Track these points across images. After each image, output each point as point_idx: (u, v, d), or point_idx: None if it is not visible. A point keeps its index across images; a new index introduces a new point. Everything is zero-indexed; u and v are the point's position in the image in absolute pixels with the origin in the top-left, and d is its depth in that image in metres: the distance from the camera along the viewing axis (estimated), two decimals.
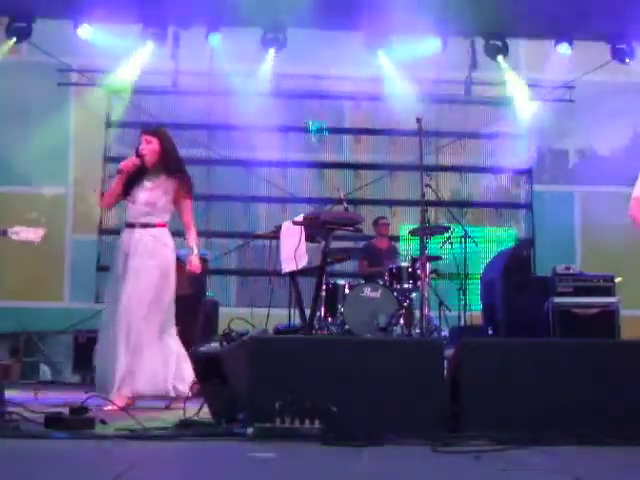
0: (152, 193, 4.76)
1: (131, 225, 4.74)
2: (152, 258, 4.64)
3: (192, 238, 4.85)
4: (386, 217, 8.40)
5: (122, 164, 4.85)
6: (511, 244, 9.37)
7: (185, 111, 9.50)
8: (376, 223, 8.10)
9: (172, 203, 4.82)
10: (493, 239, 9.55)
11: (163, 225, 4.76)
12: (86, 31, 8.82)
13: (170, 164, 4.81)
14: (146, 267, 4.60)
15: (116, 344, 4.44)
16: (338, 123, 9.77)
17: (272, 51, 9.03)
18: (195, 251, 4.83)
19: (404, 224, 9.20)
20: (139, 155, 4.81)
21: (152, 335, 4.53)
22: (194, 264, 4.82)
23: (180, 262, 6.70)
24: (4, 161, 9.19)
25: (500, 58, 9.20)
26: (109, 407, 4.07)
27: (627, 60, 9.06)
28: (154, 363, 4.49)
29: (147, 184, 4.79)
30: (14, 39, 8.83)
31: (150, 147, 4.82)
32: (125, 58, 9.07)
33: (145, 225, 4.71)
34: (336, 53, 9.08)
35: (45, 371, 8.06)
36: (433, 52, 9.10)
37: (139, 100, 9.52)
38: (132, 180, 4.81)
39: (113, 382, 4.37)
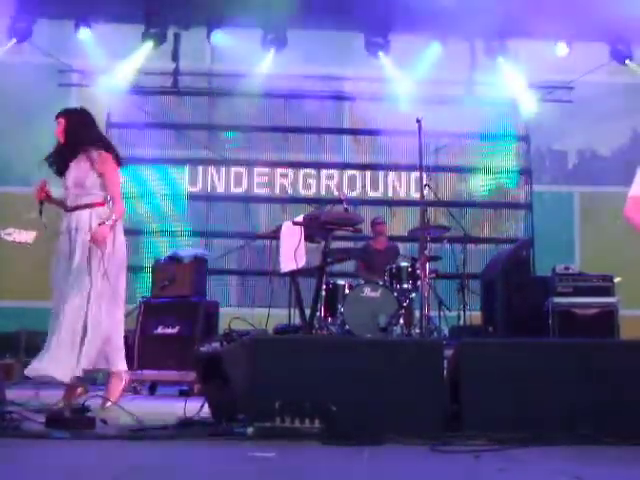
0: (75, 173, 4.66)
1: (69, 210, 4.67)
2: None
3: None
4: (382, 217, 8.38)
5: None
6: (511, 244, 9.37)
7: (185, 111, 9.50)
8: (372, 224, 8.10)
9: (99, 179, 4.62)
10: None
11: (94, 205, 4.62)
12: (87, 32, 8.83)
13: (75, 140, 4.67)
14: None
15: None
16: (338, 123, 9.78)
17: (273, 51, 9.04)
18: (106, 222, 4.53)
19: (404, 224, 9.20)
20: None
21: None
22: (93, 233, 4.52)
23: (180, 262, 6.72)
24: (4, 161, 9.20)
25: (500, 59, 9.20)
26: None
27: (620, 62, 9.07)
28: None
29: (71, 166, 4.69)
30: (15, 40, 8.84)
31: (59, 129, 4.72)
32: (125, 59, 9.08)
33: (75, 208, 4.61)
34: (336, 53, 9.09)
35: None
36: (433, 52, 9.11)
37: (139, 100, 9.52)
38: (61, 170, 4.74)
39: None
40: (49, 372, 4.26)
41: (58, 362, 4.24)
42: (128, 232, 9.63)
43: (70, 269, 4.51)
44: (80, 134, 4.69)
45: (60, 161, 4.76)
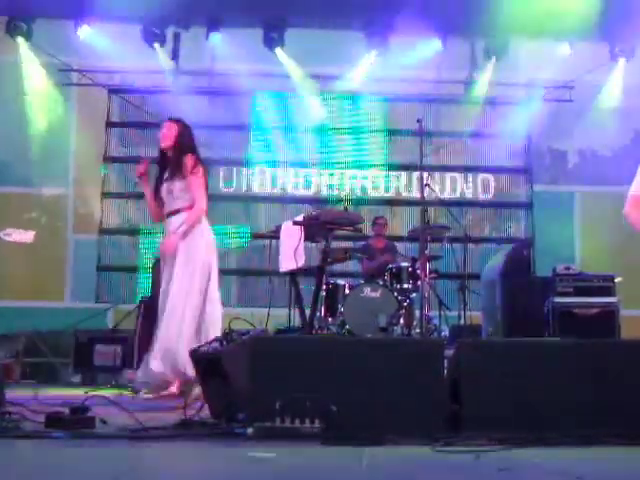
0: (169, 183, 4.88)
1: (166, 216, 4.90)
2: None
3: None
4: (384, 217, 8.39)
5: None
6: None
7: (185, 111, 9.51)
8: (373, 223, 8.11)
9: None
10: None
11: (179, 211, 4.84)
12: (87, 31, 8.83)
13: (182, 148, 4.92)
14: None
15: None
16: (338, 123, 9.77)
17: (278, 50, 9.03)
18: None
19: (404, 225, 9.21)
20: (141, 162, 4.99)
21: None
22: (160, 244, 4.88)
23: None
24: (4, 161, 9.20)
25: (499, 58, 9.20)
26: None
27: (620, 62, 9.07)
28: None
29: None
30: (15, 39, 8.84)
31: (169, 133, 4.94)
32: (125, 58, 9.08)
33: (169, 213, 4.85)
34: (336, 53, 9.09)
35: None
36: (433, 52, 9.11)
37: (139, 100, 9.53)
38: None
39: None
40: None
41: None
42: (128, 232, 9.76)
43: (171, 275, 4.76)
44: (188, 143, 4.94)
45: (164, 169, 4.96)
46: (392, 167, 9.69)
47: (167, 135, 4.91)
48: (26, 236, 4.67)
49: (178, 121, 5.02)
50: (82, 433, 3.07)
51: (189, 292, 4.72)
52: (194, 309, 4.70)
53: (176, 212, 4.82)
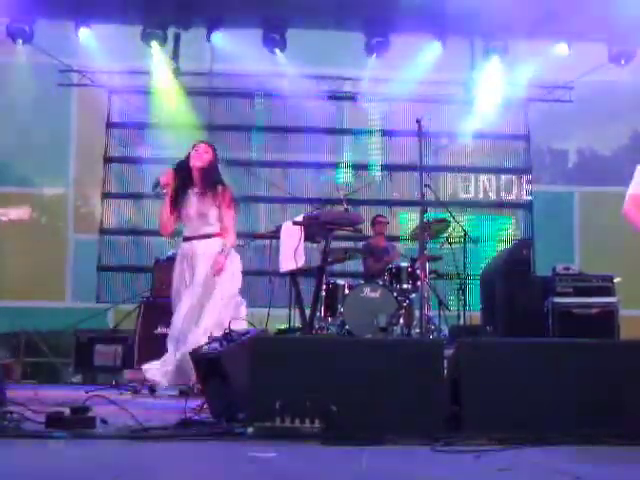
0: (199, 206, 4.95)
1: (188, 238, 4.98)
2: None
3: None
4: (385, 216, 8.35)
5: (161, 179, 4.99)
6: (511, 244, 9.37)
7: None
8: (373, 222, 8.06)
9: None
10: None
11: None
12: (87, 32, 8.83)
13: (214, 175, 5.02)
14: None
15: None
16: (338, 123, 9.78)
17: (271, 51, 9.03)
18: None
19: (404, 225, 9.21)
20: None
21: None
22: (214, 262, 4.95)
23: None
24: (4, 161, 9.21)
25: (499, 58, 9.20)
26: None
27: (622, 61, 9.08)
28: None
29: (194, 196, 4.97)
30: (15, 40, 8.84)
31: (206, 157, 4.98)
32: (126, 59, 9.09)
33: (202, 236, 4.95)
34: (336, 53, 9.09)
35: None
36: (433, 53, 9.11)
37: (139, 100, 9.53)
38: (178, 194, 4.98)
39: None
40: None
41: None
42: (128, 232, 9.77)
43: (192, 292, 4.91)
44: (217, 171, 5.06)
45: (186, 185, 4.98)
46: (392, 167, 9.68)
47: (203, 157, 4.97)
48: (23, 212, 4.70)
49: (213, 146, 5.12)
50: (82, 433, 3.07)
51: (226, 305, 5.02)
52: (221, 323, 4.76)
53: (208, 236, 4.94)
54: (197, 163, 4.94)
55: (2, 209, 4.71)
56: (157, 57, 9.00)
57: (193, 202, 4.94)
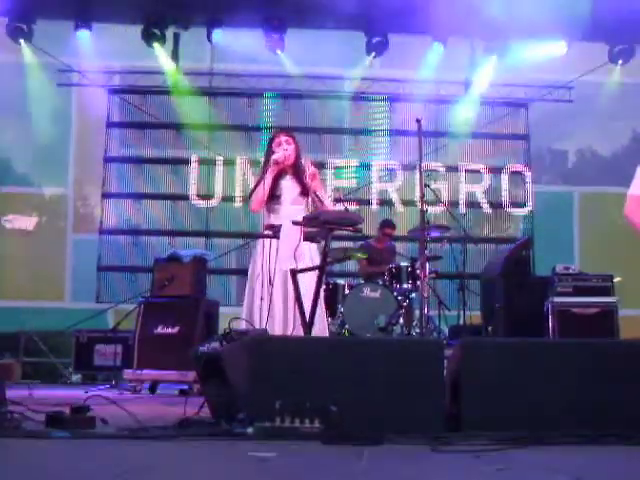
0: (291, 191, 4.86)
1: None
2: None
3: None
4: (394, 225, 8.26)
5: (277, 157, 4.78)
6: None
7: (185, 111, 9.51)
8: (382, 226, 8.02)
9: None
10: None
11: None
12: (86, 32, 8.84)
13: (299, 163, 4.88)
14: None
15: None
16: (338, 123, 9.78)
17: (278, 52, 9.03)
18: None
19: (403, 224, 9.20)
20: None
21: None
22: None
23: (180, 261, 6.71)
24: (4, 161, 9.21)
25: (497, 59, 9.21)
26: None
27: (620, 62, 9.08)
28: None
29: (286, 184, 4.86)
30: (16, 40, 8.85)
31: (292, 153, 4.85)
32: (125, 58, 9.10)
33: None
34: (336, 53, 9.09)
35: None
36: (433, 52, 9.12)
37: (139, 100, 9.53)
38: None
39: None
40: None
41: None
42: (128, 232, 9.76)
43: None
44: (301, 161, 4.90)
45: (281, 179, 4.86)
46: (392, 167, 9.68)
47: (290, 155, 4.83)
48: (28, 222, 4.66)
49: (294, 136, 4.93)
50: (82, 433, 3.07)
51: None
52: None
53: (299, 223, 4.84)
54: (287, 162, 4.82)
55: (11, 215, 4.67)
56: (160, 56, 9.01)
57: (283, 188, 4.89)
